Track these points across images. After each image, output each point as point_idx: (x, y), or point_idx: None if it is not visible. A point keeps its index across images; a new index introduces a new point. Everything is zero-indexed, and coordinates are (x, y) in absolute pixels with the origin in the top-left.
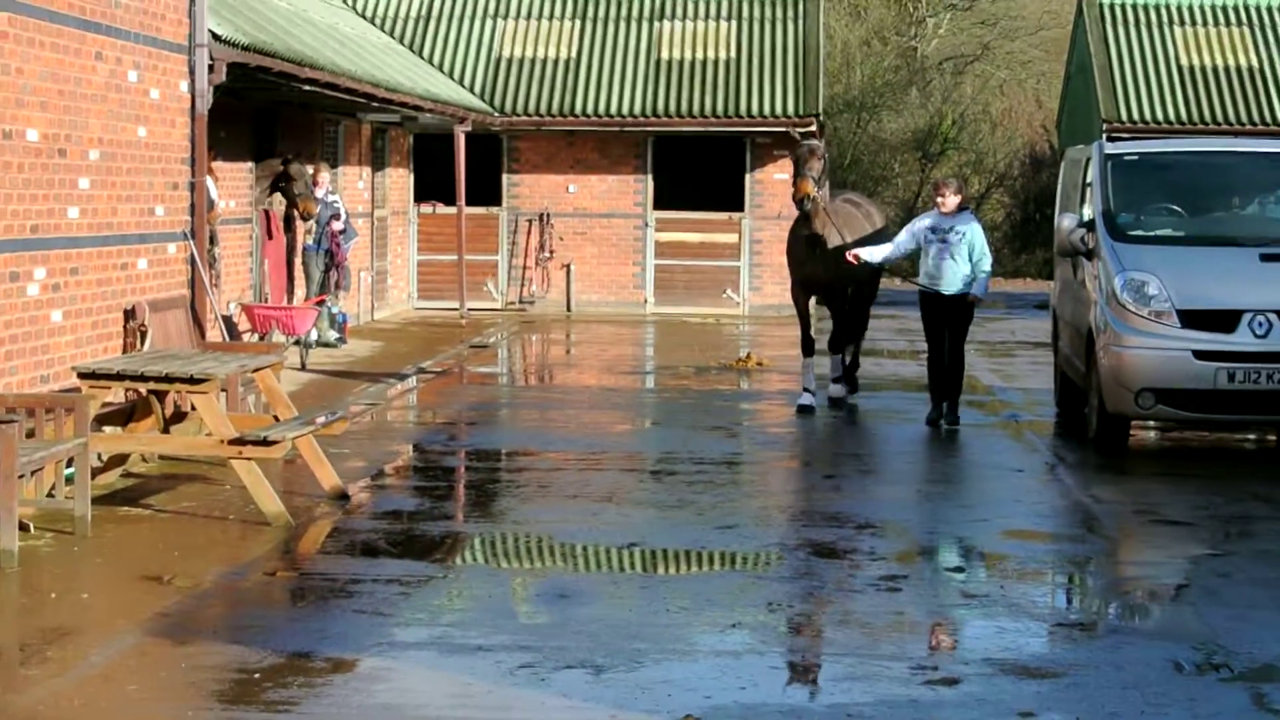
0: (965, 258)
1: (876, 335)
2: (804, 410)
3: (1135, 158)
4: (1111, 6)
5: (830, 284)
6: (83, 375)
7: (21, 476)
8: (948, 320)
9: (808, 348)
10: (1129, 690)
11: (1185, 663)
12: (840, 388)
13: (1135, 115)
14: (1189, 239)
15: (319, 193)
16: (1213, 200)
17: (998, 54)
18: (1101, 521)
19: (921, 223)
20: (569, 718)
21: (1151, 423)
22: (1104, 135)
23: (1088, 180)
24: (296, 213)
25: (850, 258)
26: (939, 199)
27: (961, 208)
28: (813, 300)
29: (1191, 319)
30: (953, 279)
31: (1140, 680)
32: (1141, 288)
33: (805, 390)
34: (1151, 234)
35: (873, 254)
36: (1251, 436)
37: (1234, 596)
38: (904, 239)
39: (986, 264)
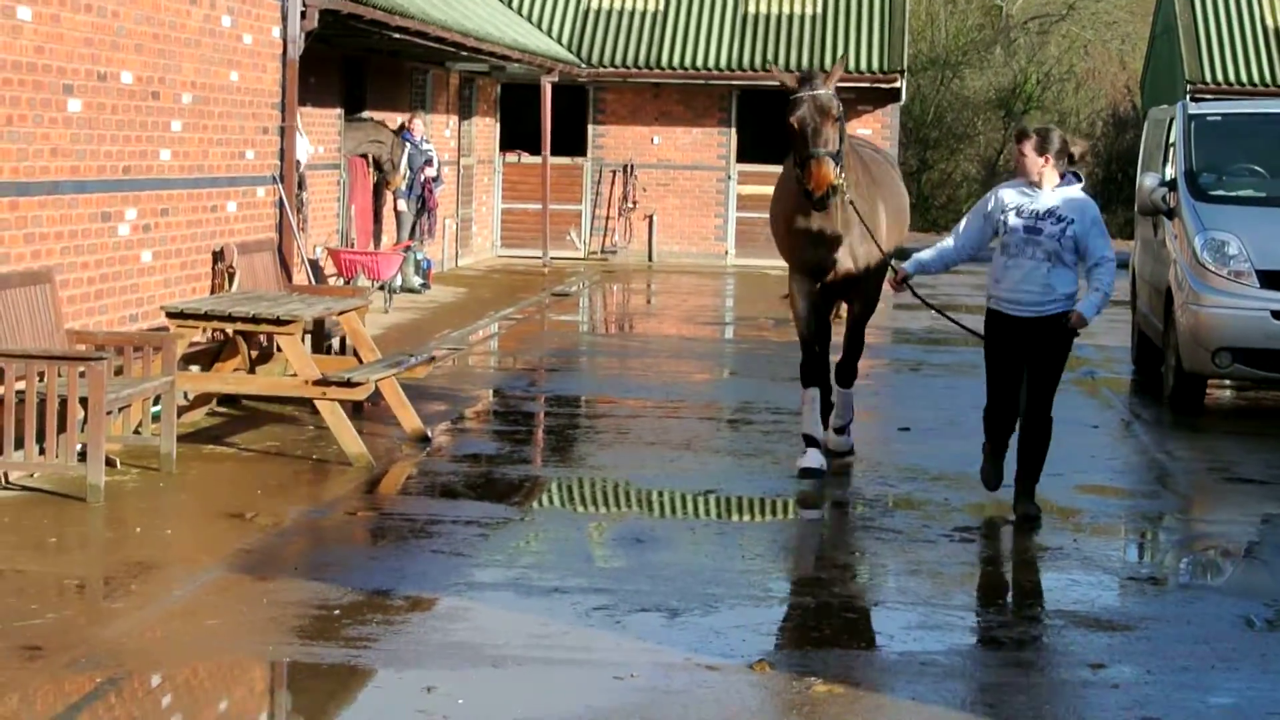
0: (1069, 259)
1: (954, 288)
2: (809, 474)
3: (1218, 118)
4: None
5: (849, 276)
6: (171, 315)
7: (110, 413)
8: (1029, 356)
9: (814, 372)
10: (1199, 645)
11: (1256, 619)
12: (845, 439)
13: (1219, 76)
14: (1270, 200)
15: (414, 137)
16: None
17: (1083, 14)
18: (1175, 478)
19: (997, 200)
20: (644, 659)
21: (1228, 381)
22: (1188, 96)
23: (1170, 140)
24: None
25: (891, 281)
26: (1019, 159)
27: (1065, 177)
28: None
29: (1270, 279)
30: (1043, 292)
31: (1211, 635)
32: (1221, 247)
33: (808, 441)
34: (1232, 194)
35: (923, 263)
36: None
37: None
38: (970, 230)
39: (1107, 271)
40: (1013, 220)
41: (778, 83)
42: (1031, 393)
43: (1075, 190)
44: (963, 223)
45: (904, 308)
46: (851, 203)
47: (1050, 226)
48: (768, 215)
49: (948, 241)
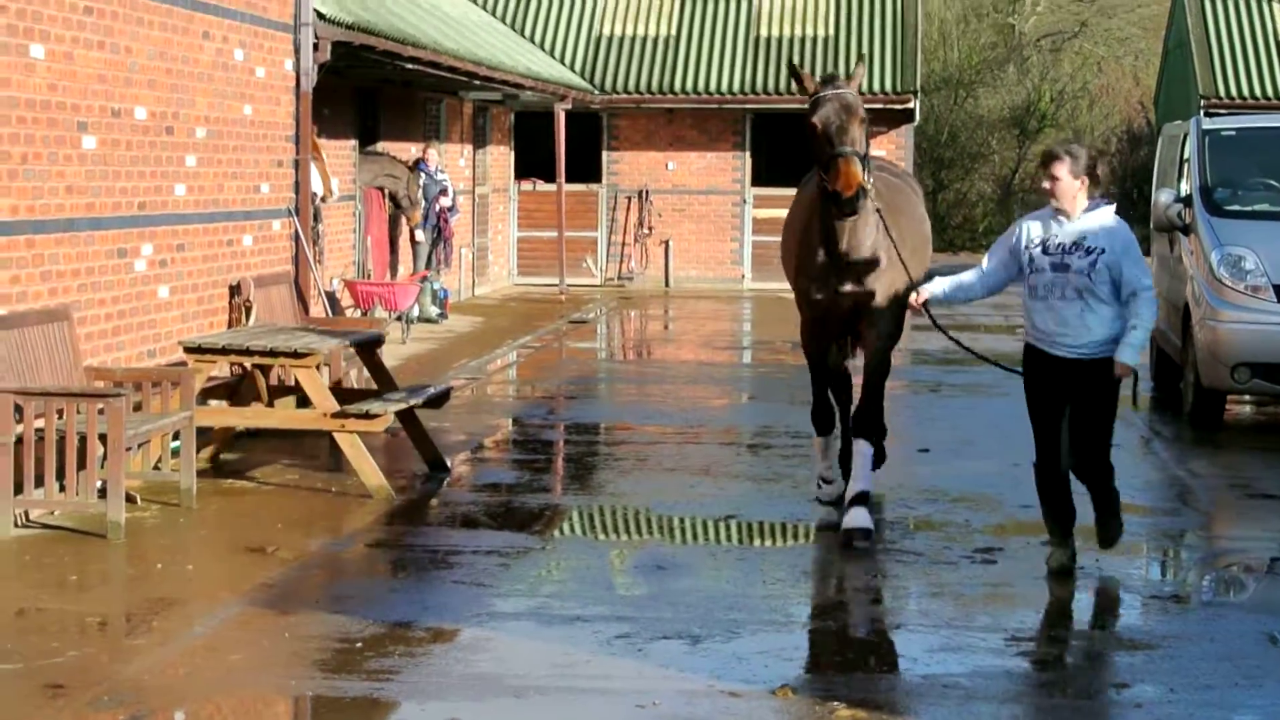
0: (1106, 292)
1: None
2: (828, 528)
3: (1233, 133)
4: None
5: (864, 318)
6: (189, 350)
7: (129, 449)
8: (1074, 398)
9: (825, 418)
10: (1222, 662)
11: (1279, 635)
12: (863, 513)
13: (1233, 91)
14: None
15: (429, 168)
16: None
17: (1096, 31)
18: (1196, 495)
19: (1022, 233)
20: (667, 687)
21: (1247, 397)
22: (1201, 111)
23: (1185, 156)
24: (404, 217)
25: (914, 304)
26: (1047, 183)
27: (1094, 201)
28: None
29: None
30: (1083, 331)
31: (1234, 653)
32: (1238, 262)
33: (822, 486)
34: (1248, 209)
35: (947, 292)
36: None
37: None
38: (995, 265)
39: (1145, 303)
40: (1039, 258)
41: (793, 104)
42: (1080, 443)
43: (1107, 215)
44: (989, 255)
45: (921, 329)
46: (879, 210)
47: (1078, 260)
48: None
49: (969, 276)
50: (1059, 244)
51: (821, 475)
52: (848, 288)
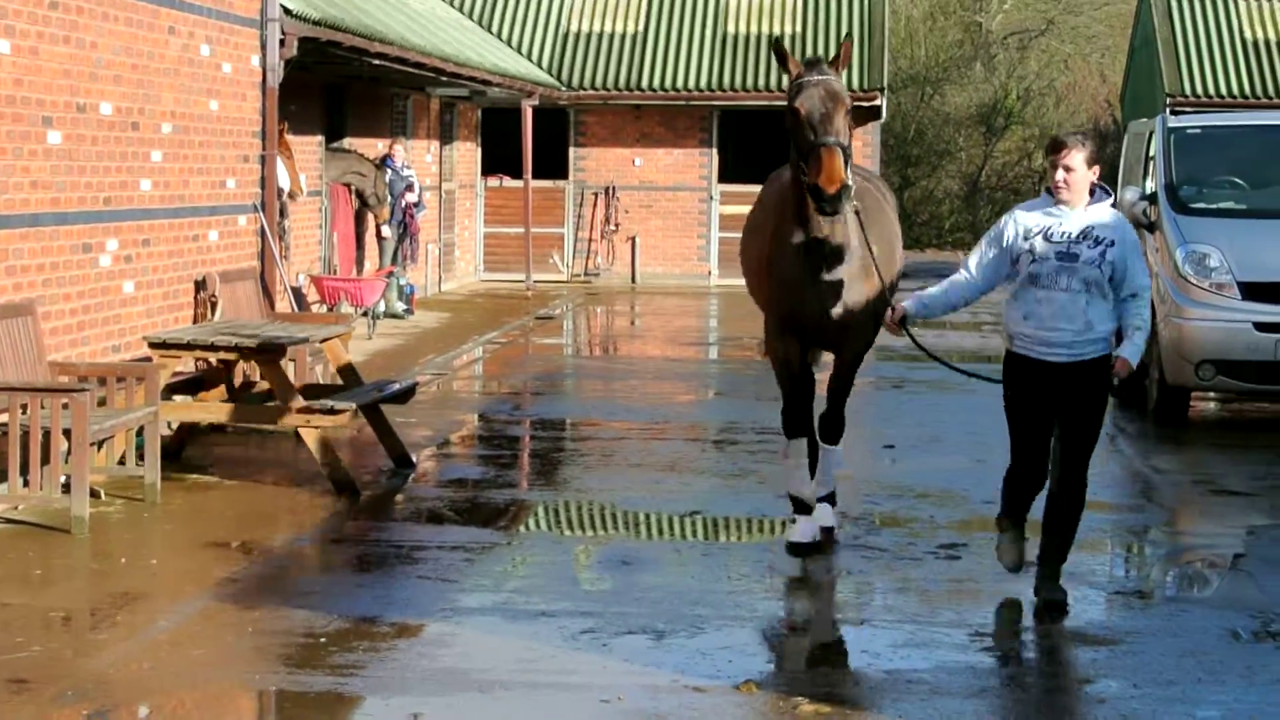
0: (1106, 289)
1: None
2: (799, 550)
3: (1198, 131)
4: None
5: (839, 325)
6: (154, 345)
7: (93, 444)
8: (1061, 408)
9: (797, 421)
10: (1185, 658)
11: (1242, 631)
12: (829, 511)
13: (1198, 89)
14: (1250, 212)
15: (395, 163)
16: (1274, 173)
17: (1062, 29)
18: (1160, 491)
19: (1019, 224)
20: (631, 682)
21: (1211, 394)
22: (1167, 109)
23: (1150, 154)
24: (372, 215)
25: (890, 323)
26: (1058, 172)
27: (1094, 193)
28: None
29: (1252, 291)
30: (1081, 331)
31: (1197, 648)
32: (1203, 260)
33: (795, 505)
34: (1213, 207)
35: (926, 303)
36: None
37: None
38: (986, 262)
39: (1145, 304)
40: (1041, 246)
41: (760, 100)
42: (1065, 453)
43: (1108, 207)
44: (974, 255)
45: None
46: (857, 211)
47: (1088, 250)
48: (742, 245)
49: (959, 275)
50: (1065, 233)
51: (799, 495)
52: (824, 294)
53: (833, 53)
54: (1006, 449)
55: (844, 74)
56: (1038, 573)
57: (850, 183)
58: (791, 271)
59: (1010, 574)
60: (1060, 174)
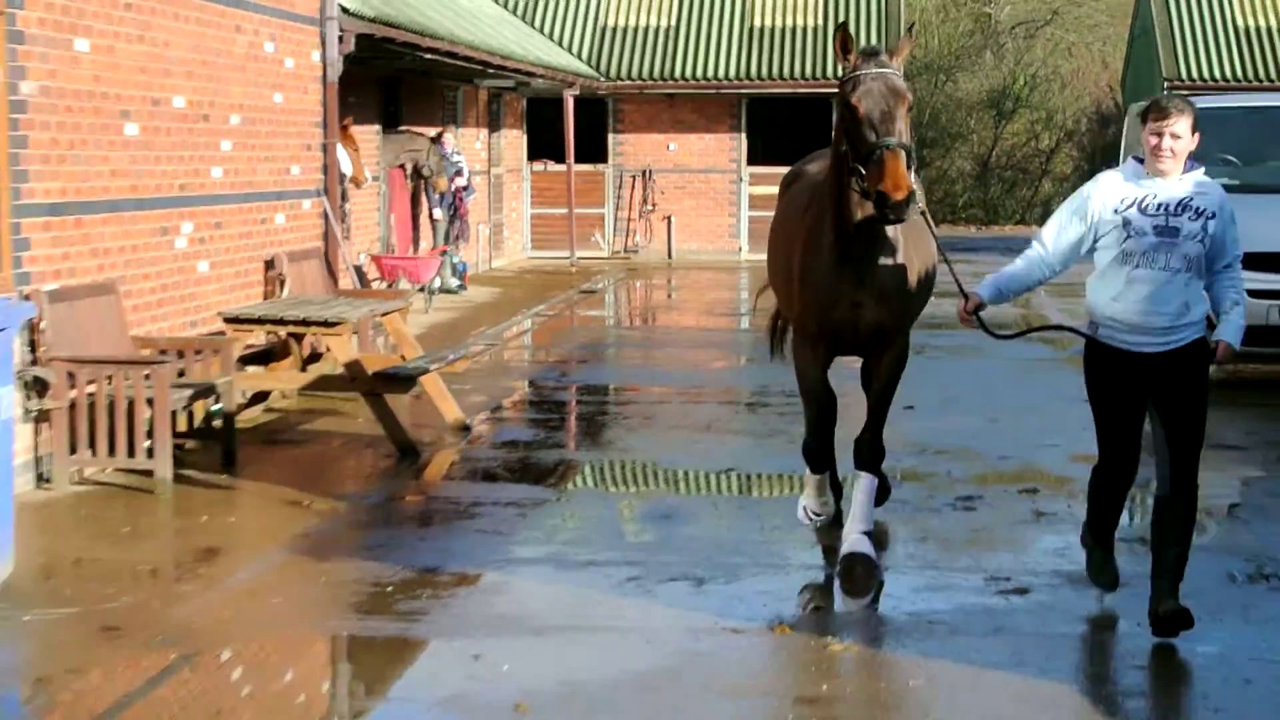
0: (1202, 268)
1: None
2: (816, 610)
3: None
4: None
5: (876, 335)
6: (228, 320)
7: (174, 412)
8: (1158, 403)
9: (824, 455)
10: (1186, 598)
11: (1238, 573)
12: (866, 541)
13: (1195, 74)
14: (1244, 187)
15: (445, 150)
16: (1266, 151)
17: (1066, 18)
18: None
19: (1101, 194)
20: (674, 625)
21: None
22: (1165, 92)
23: None
24: (430, 186)
25: (964, 314)
26: (1163, 139)
27: (1188, 162)
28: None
29: (1246, 260)
30: (1177, 314)
31: (1197, 590)
32: None
33: (813, 519)
34: None
35: (1001, 288)
36: None
37: None
38: (1064, 235)
39: (1239, 274)
40: (1137, 218)
41: (785, 89)
42: (1173, 456)
43: (1202, 175)
44: (1051, 226)
45: None
46: (923, 213)
47: (1189, 223)
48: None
49: (1034, 251)
50: (1160, 204)
51: (811, 510)
52: (866, 303)
53: (915, 27)
54: (1018, 409)
55: (903, 64)
56: (1154, 588)
57: (916, 187)
58: (827, 275)
59: (1033, 529)
60: (1166, 141)
